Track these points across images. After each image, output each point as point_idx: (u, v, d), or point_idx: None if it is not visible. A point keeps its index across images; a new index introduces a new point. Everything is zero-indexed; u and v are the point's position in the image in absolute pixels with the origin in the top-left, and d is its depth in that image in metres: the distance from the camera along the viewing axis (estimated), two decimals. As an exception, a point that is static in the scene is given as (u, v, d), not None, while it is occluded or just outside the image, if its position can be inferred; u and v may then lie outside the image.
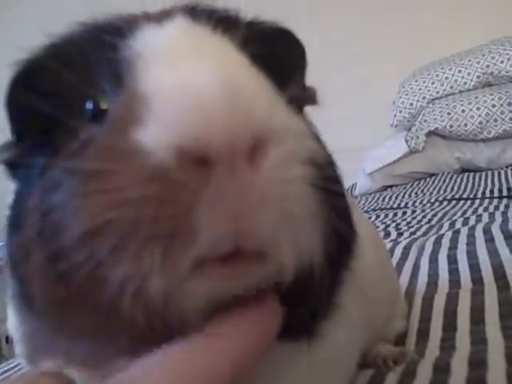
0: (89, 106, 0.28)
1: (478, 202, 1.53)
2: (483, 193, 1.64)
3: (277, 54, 0.26)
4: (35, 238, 0.28)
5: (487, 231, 1.00)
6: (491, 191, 1.64)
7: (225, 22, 0.29)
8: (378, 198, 2.04)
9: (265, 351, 0.26)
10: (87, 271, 0.24)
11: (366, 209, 1.82)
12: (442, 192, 1.86)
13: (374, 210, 1.78)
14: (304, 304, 0.29)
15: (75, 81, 0.29)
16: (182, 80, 0.24)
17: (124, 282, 0.24)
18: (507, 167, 2.10)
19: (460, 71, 2.37)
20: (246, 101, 0.24)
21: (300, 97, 0.31)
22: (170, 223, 0.23)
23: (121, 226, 0.23)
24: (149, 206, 0.23)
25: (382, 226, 1.38)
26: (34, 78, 0.31)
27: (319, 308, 0.32)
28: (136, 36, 0.28)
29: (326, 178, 0.27)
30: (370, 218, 1.58)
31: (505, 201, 1.45)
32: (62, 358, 0.30)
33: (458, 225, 1.18)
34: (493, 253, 0.84)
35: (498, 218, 1.17)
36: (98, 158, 0.25)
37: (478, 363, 0.46)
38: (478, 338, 0.54)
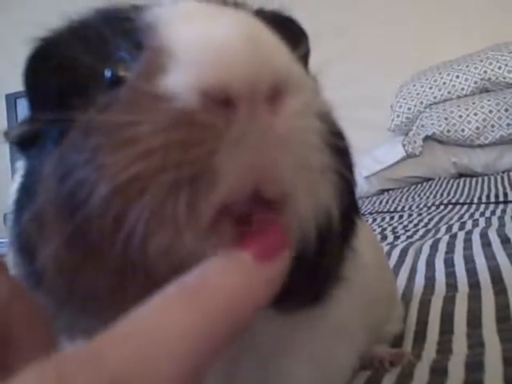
0: (107, 73, 0.28)
1: (474, 206, 1.54)
2: (480, 198, 1.65)
3: (282, 41, 0.27)
4: (52, 205, 0.27)
5: (484, 235, 1.00)
6: (487, 196, 1.64)
7: (235, 7, 0.30)
8: (374, 202, 2.04)
9: (260, 306, 0.23)
10: (113, 228, 0.25)
11: (362, 212, 1.82)
12: (438, 196, 1.86)
13: (370, 213, 1.78)
14: (319, 265, 0.30)
15: (93, 52, 0.29)
16: (205, 32, 0.25)
17: (150, 233, 0.24)
18: (503, 173, 2.11)
19: (458, 76, 2.38)
20: (267, 49, 0.25)
21: None
22: (193, 167, 0.24)
23: (149, 177, 0.24)
24: (175, 151, 0.24)
25: (379, 230, 1.38)
26: (52, 52, 0.31)
27: (333, 269, 0.33)
28: (152, 10, 0.29)
29: (336, 135, 0.28)
30: (366, 221, 1.58)
31: (501, 206, 1.45)
32: (64, 336, 0.30)
33: (455, 229, 1.18)
34: (490, 257, 0.84)
35: (495, 222, 1.17)
36: (123, 109, 0.25)
37: (475, 366, 0.46)
38: (475, 342, 0.54)
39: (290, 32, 0.31)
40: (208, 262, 0.23)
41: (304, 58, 0.35)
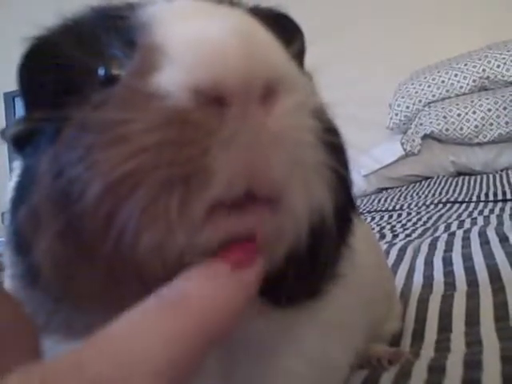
0: (101, 71, 0.28)
1: (472, 205, 1.54)
2: (478, 196, 1.65)
3: (276, 39, 0.27)
4: (46, 201, 0.27)
5: (482, 234, 1.00)
6: (486, 195, 1.64)
7: (229, 4, 0.30)
8: (373, 200, 2.04)
9: (239, 313, 0.24)
10: (106, 225, 0.25)
11: (361, 211, 1.82)
12: (437, 195, 1.86)
13: (369, 211, 1.78)
14: (315, 262, 0.30)
15: (88, 50, 0.29)
16: (198, 30, 0.25)
17: (142, 231, 0.24)
18: (502, 171, 2.11)
19: (456, 75, 2.38)
20: (261, 48, 0.25)
21: None
22: (186, 166, 0.24)
23: (141, 175, 0.24)
24: (168, 150, 0.24)
25: (377, 228, 1.39)
26: (46, 50, 0.31)
27: (329, 265, 0.33)
28: (146, 8, 0.29)
29: (330, 132, 0.28)
30: (365, 219, 1.58)
31: (499, 204, 1.46)
32: (62, 332, 0.30)
33: (454, 227, 1.18)
34: (488, 255, 0.84)
35: (493, 221, 1.18)
36: (116, 107, 0.25)
37: (473, 364, 0.46)
38: (474, 340, 0.54)
39: (285, 29, 0.31)
40: (186, 273, 0.24)
41: (299, 56, 0.35)
